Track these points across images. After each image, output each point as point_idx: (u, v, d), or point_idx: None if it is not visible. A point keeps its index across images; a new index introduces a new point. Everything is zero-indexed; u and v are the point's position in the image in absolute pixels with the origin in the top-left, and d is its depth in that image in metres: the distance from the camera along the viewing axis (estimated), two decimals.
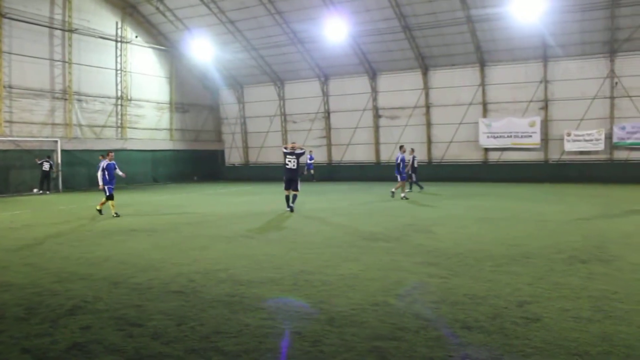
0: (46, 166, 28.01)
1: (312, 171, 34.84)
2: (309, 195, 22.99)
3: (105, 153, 18.07)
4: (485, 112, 32.22)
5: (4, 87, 27.89)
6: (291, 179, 17.14)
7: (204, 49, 34.63)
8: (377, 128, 35.54)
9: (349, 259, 9.64)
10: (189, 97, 39.33)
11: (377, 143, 35.57)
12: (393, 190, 22.05)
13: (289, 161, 17.17)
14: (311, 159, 34.92)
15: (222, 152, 42.09)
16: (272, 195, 23.78)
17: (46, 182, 28.30)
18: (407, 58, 33.04)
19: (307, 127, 37.86)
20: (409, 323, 5.96)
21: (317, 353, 5.17)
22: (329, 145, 37.25)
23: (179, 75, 38.42)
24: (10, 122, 28.29)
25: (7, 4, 27.80)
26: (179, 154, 37.68)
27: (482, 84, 32.10)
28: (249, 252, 10.42)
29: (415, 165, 25.56)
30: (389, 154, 34.80)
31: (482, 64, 31.80)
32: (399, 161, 21.31)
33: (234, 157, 41.82)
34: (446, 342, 5.42)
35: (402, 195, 21.13)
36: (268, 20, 32.93)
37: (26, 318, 6.46)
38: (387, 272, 8.44)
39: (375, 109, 35.47)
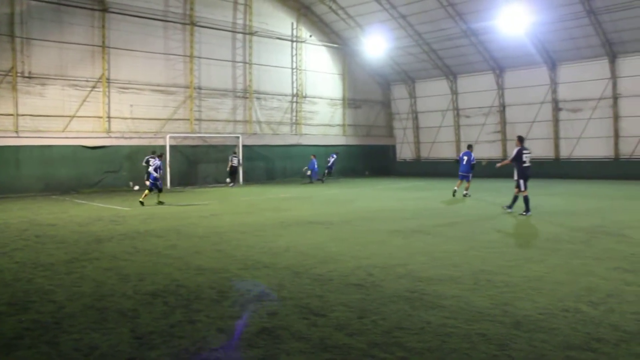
0: (235, 161, 29.88)
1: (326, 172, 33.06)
2: (480, 192, 22.30)
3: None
4: None
5: (194, 88, 30.44)
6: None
7: (376, 45, 34.92)
8: (556, 122, 33.34)
9: (533, 260, 9.11)
10: (361, 93, 39.97)
11: (556, 138, 33.35)
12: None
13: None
14: (330, 165, 33.15)
15: (394, 147, 42.20)
16: (444, 192, 23.35)
17: (235, 176, 30.09)
18: (591, 45, 30.43)
19: (481, 121, 36.62)
20: (607, 334, 5.46)
21: (505, 357, 4.92)
22: (504, 140, 35.68)
23: (351, 72, 39.18)
24: (199, 120, 30.83)
25: (198, 13, 30.28)
26: (351, 149, 38.44)
27: None
28: (426, 249, 10.29)
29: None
30: (569, 150, 32.57)
31: None
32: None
33: (405, 152, 41.69)
34: None
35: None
36: (440, 13, 32.29)
37: (219, 300, 6.95)
38: (576, 277, 7.84)
39: (555, 101, 33.27)
